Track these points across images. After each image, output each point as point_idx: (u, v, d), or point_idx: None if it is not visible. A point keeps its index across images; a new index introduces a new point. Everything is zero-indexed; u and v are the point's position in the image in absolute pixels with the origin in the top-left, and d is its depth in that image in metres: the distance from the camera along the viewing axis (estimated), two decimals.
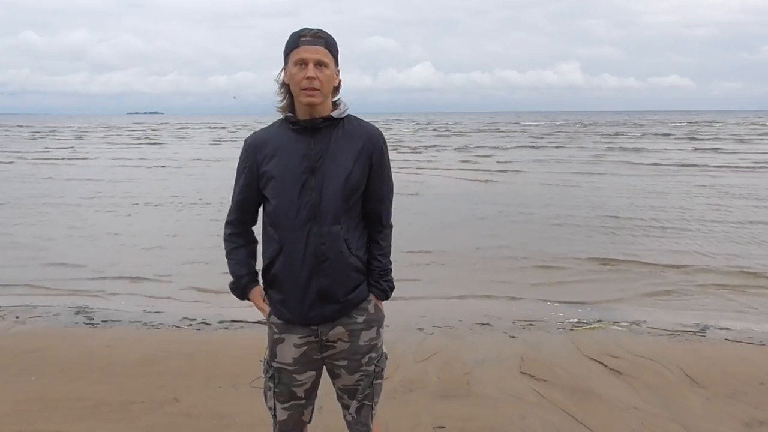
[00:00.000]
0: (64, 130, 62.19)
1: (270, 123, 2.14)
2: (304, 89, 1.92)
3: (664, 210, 11.19)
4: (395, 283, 2.19)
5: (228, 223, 2.17)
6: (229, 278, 2.17)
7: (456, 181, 16.38)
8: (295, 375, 2.09)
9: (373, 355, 2.13)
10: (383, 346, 2.20)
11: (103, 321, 5.30)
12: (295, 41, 1.94)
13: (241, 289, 2.14)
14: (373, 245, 2.12)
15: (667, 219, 10.25)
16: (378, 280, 2.11)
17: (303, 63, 1.92)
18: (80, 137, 46.17)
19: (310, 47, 1.92)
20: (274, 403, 2.15)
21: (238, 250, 2.14)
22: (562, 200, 12.54)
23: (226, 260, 2.17)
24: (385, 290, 2.13)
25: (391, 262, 2.17)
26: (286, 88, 2.01)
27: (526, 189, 14.63)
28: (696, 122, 67.08)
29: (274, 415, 2.18)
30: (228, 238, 2.16)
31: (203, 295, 6.32)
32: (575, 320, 5.29)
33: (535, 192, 14.09)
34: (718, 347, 4.56)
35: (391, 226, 2.18)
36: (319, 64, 1.92)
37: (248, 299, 2.16)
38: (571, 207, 11.57)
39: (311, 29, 1.95)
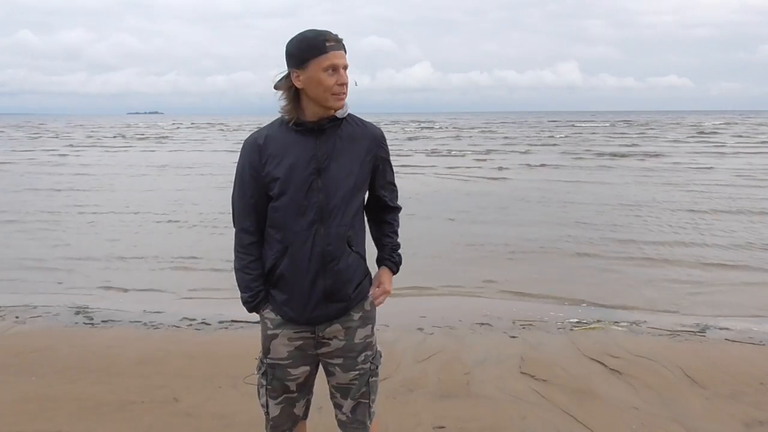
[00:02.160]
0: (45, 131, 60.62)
1: (265, 123, 2.14)
2: (336, 94, 1.95)
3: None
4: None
5: (244, 231, 2.09)
6: (236, 286, 2.14)
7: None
8: (289, 369, 2.11)
9: (369, 352, 2.15)
10: (377, 344, 2.22)
11: (103, 321, 5.29)
12: (321, 46, 1.92)
13: (256, 304, 2.11)
14: (384, 225, 2.24)
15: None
16: (391, 254, 2.22)
17: (334, 69, 1.93)
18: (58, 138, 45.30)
19: (338, 53, 1.94)
20: (267, 399, 2.17)
21: (254, 264, 2.09)
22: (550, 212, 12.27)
23: (237, 273, 2.12)
24: (397, 263, 2.24)
25: (399, 237, 2.27)
26: (294, 91, 1.99)
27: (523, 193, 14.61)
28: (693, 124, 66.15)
29: (267, 412, 2.19)
30: (245, 250, 2.09)
31: (203, 295, 6.32)
32: (575, 320, 5.29)
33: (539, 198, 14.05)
34: (718, 347, 4.56)
35: (400, 208, 2.27)
36: (345, 68, 1.98)
37: (259, 313, 2.14)
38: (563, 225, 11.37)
39: (331, 33, 1.94)
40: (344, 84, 1.96)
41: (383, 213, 2.23)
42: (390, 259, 2.22)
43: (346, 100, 2.04)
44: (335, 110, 1.99)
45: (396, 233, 2.25)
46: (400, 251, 2.25)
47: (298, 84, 1.97)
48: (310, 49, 1.93)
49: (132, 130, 61.15)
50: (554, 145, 32.27)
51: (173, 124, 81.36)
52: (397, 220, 2.26)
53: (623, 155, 24.61)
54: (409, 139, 39.89)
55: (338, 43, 1.94)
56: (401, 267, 2.27)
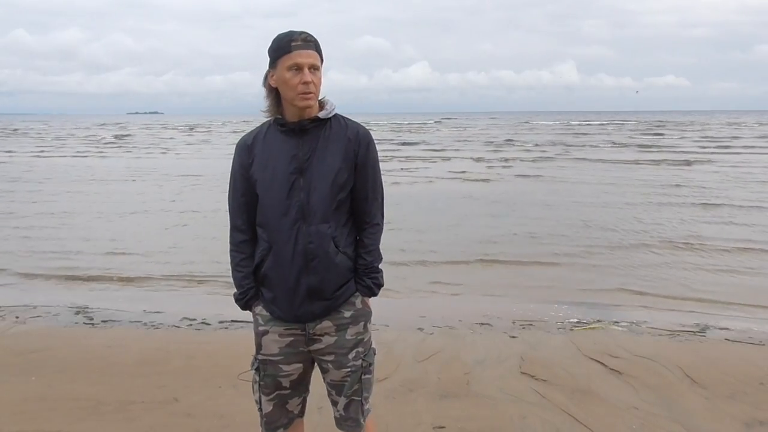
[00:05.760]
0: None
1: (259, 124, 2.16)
2: (301, 93, 1.96)
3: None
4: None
5: (236, 229, 2.13)
6: (232, 285, 2.19)
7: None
8: (281, 366, 2.12)
9: (360, 349, 2.14)
10: (372, 341, 2.21)
11: (103, 321, 5.30)
12: (286, 46, 1.96)
13: (246, 300, 2.15)
14: (359, 243, 2.15)
15: None
16: (363, 277, 2.13)
17: (298, 68, 1.95)
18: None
19: (303, 52, 1.96)
20: (260, 395, 2.18)
21: (246, 261, 2.12)
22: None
23: (231, 270, 2.16)
24: (370, 287, 2.14)
25: (378, 260, 2.17)
26: (273, 91, 2.04)
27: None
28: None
29: (260, 408, 2.20)
30: (236, 248, 2.14)
31: (203, 295, 6.32)
32: (575, 320, 5.29)
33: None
34: (718, 347, 4.56)
35: (378, 224, 2.16)
36: (312, 68, 1.97)
37: (250, 310, 2.18)
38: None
39: (299, 32, 1.97)
40: (308, 83, 1.94)
41: (360, 230, 2.14)
42: (361, 283, 2.11)
43: (332, 100, 2.06)
44: (302, 109, 1.99)
45: (371, 253, 2.13)
46: (377, 273, 2.14)
47: (272, 83, 2.01)
48: (278, 49, 1.97)
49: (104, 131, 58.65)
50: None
51: (143, 126, 76.56)
52: (374, 239, 2.15)
53: None
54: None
55: (306, 43, 1.96)
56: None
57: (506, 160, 23.00)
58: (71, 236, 9.40)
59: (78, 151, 30.52)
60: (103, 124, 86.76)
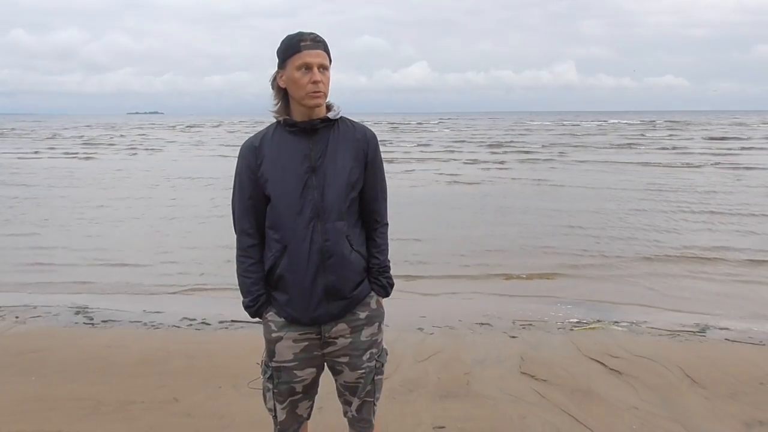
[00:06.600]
0: None
1: (263, 123, 2.16)
2: (311, 93, 1.97)
3: None
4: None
5: (244, 233, 2.09)
6: (238, 290, 2.14)
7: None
8: (295, 371, 2.10)
9: (374, 350, 2.15)
10: (383, 342, 2.22)
11: (103, 321, 5.30)
12: (296, 46, 1.97)
13: (258, 307, 2.10)
14: (370, 243, 2.16)
15: None
16: (377, 277, 2.14)
17: (307, 67, 1.96)
18: None
19: (312, 51, 1.97)
20: (274, 404, 2.16)
21: (255, 267, 2.08)
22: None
23: (238, 277, 2.12)
24: (384, 286, 2.16)
25: (389, 260, 2.19)
26: (282, 91, 2.04)
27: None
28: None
29: (275, 416, 2.18)
30: (245, 252, 2.09)
31: (203, 295, 6.32)
32: (575, 320, 5.29)
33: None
34: (718, 347, 4.56)
35: (387, 224, 2.21)
36: (321, 67, 1.98)
37: (261, 318, 2.13)
38: None
39: (309, 33, 1.99)
40: (317, 82, 1.95)
41: (370, 230, 2.16)
42: (377, 282, 2.14)
43: (338, 102, 2.07)
44: (311, 108, 2.00)
45: (383, 252, 2.17)
46: (389, 272, 2.18)
47: (281, 84, 2.02)
48: (287, 49, 1.98)
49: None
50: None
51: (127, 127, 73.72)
52: (384, 239, 2.19)
53: None
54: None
55: (315, 43, 1.97)
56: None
57: (504, 162, 23.00)
58: (55, 244, 9.06)
59: (66, 153, 30.05)
60: (97, 125, 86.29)
